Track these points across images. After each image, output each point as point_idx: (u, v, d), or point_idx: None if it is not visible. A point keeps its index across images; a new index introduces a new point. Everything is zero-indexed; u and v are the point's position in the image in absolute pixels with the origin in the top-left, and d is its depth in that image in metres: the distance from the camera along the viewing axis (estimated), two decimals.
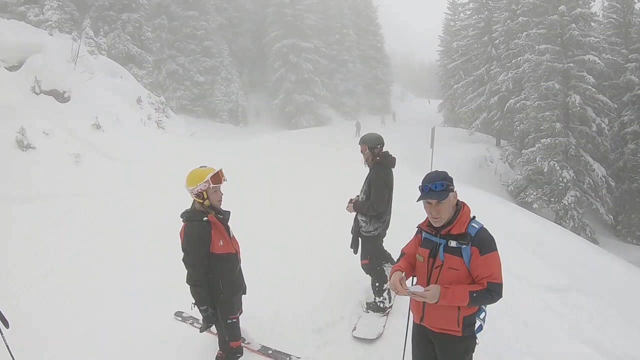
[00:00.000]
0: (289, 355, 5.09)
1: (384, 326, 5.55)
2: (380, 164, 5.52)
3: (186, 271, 4.02)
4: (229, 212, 4.31)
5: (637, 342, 5.61)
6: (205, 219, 4.00)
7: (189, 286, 4.04)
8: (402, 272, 3.58)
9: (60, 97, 15.03)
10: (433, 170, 3.52)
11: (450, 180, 3.36)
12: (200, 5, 40.56)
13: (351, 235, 5.83)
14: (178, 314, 5.87)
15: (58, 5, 23.12)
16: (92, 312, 5.97)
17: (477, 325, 3.51)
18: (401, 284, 3.47)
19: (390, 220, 5.76)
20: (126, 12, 30.51)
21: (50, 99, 14.61)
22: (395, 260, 3.91)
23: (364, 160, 5.64)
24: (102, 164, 13.50)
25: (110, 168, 13.27)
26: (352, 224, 5.85)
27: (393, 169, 5.64)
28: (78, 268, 7.29)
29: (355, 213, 5.74)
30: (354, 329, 5.54)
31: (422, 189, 3.36)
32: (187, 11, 39.59)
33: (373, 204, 5.40)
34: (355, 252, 5.81)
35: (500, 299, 3.36)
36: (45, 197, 10.48)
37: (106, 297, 6.34)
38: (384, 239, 5.80)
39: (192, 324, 5.66)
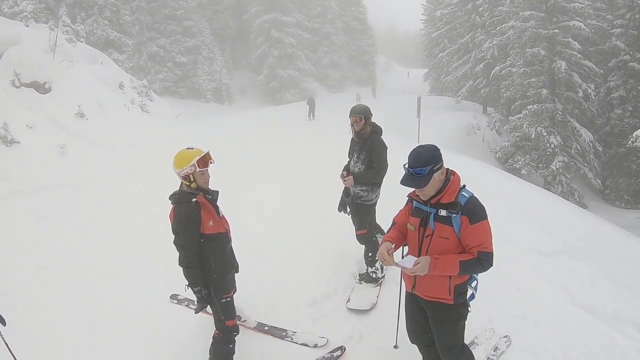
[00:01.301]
0: (285, 330, 5.13)
1: (377, 296, 5.58)
2: (376, 133, 5.57)
3: (178, 254, 4.00)
4: (217, 192, 4.27)
5: (627, 304, 5.72)
6: (194, 200, 3.97)
7: (181, 268, 4.04)
8: (392, 243, 3.59)
9: (41, 88, 14.81)
10: (419, 144, 3.46)
11: (436, 158, 3.27)
12: None
13: (342, 204, 5.87)
14: (173, 296, 5.87)
15: None
16: (88, 301, 5.96)
17: (469, 293, 3.53)
18: (389, 255, 3.49)
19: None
20: None
21: (31, 91, 14.40)
22: (386, 230, 3.92)
23: (353, 132, 5.62)
24: (88, 152, 13.42)
25: (96, 156, 13.20)
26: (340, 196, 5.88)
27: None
28: (71, 259, 7.25)
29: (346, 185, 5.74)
30: (348, 301, 5.58)
31: (406, 171, 3.32)
32: None
33: (379, 172, 5.44)
34: (347, 212, 5.84)
35: (491, 267, 3.36)
36: (33, 190, 10.41)
37: (102, 285, 6.32)
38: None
39: (187, 305, 5.68)
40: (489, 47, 30.92)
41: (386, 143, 5.58)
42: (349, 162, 5.76)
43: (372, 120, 5.63)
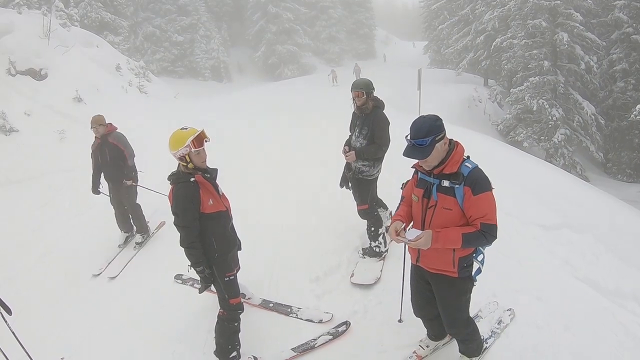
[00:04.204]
0: (290, 307, 5.19)
1: (381, 271, 5.60)
2: (378, 107, 5.52)
3: (179, 234, 4.00)
4: (216, 170, 4.26)
5: (628, 278, 5.77)
6: (192, 179, 3.96)
7: (183, 249, 4.04)
8: (402, 222, 3.56)
9: (37, 75, 14.66)
10: (420, 115, 3.39)
11: (438, 128, 3.23)
12: None
13: (344, 179, 5.86)
14: (178, 276, 5.95)
15: None
16: (93, 286, 6.04)
17: (475, 267, 3.51)
18: (399, 235, 3.47)
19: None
20: None
21: (27, 79, 14.26)
22: (397, 205, 3.88)
23: (355, 106, 5.58)
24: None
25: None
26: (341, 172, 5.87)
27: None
28: (74, 244, 7.31)
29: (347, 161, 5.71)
30: (352, 276, 5.62)
31: (408, 142, 3.29)
32: None
33: (381, 146, 5.42)
34: (348, 187, 5.84)
35: (495, 240, 3.34)
36: (35, 177, 10.43)
37: (105, 269, 6.38)
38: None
39: (192, 285, 5.76)
40: (490, 19, 30.43)
41: (387, 117, 5.54)
42: (351, 136, 5.72)
43: (375, 95, 5.57)
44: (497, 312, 4.75)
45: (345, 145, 5.66)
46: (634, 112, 18.30)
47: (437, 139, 3.21)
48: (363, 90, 5.45)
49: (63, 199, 9.36)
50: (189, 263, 4.11)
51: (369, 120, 5.48)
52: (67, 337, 5.20)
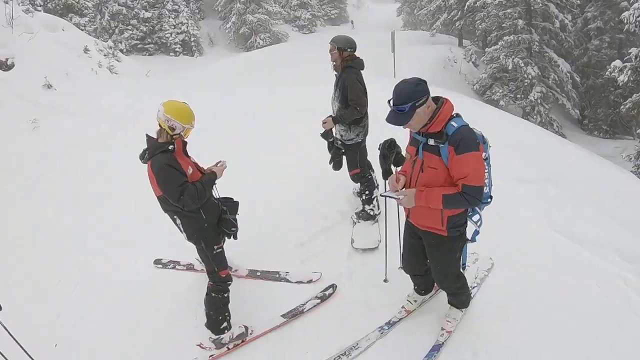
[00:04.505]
0: (278, 272, 5.29)
1: (379, 233, 5.65)
2: (350, 67, 5.35)
3: (181, 204, 3.92)
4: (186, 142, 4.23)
5: (606, 228, 5.84)
6: (170, 147, 3.92)
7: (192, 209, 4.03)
8: (404, 177, 3.59)
9: (4, 65, 14.28)
10: (402, 79, 3.35)
11: (419, 93, 3.19)
12: None
13: (329, 153, 5.79)
14: (157, 261, 5.93)
15: None
16: (77, 274, 6.01)
17: (471, 228, 3.57)
18: (396, 183, 3.55)
19: (369, 127, 5.69)
20: None
21: None
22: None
23: (332, 65, 5.46)
24: (62, 123, 13.08)
25: (70, 125, 12.87)
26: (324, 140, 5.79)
27: (362, 72, 5.50)
28: (55, 232, 7.21)
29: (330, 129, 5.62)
30: (352, 241, 5.66)
31: (390, 108, 3.28)
32: None
33: (355, 106, 5.26)
34: (336, 168, 5.79)
35: (483, 202, 3.38)
36: (11, 169, 10.23)
37: (84, 260, 6.34)
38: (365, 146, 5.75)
39: (173, 267, 5.76)
40: None
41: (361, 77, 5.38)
42: (331, 99, 5.63)
43: (354, 54, 5.40)
44: (477, 263, 4.96)
45: (323, 119, 5.55)
46: (609, 70, 18.48)
47: (417, 104, 3.18)
48: (335, 44, 5.30)
49: (42, 187, 9.15)
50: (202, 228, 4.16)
51: (341, 82, 5.35)
52: (55, 325, 5.21)
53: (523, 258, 5.07)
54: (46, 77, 14.53)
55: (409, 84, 3.25)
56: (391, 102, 3.27)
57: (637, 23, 17.16)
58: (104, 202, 7.90)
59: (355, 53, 5.49)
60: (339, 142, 5.62)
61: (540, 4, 23.71)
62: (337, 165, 5.81)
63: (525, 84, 24.18)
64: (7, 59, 14.42)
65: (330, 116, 5.49)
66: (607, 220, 6.15)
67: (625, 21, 18.04)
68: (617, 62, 18.26)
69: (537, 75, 23.92)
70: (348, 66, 5.36)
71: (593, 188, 7.54)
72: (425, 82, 3.29)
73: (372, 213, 5.88)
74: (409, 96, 3.18)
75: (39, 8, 21.77)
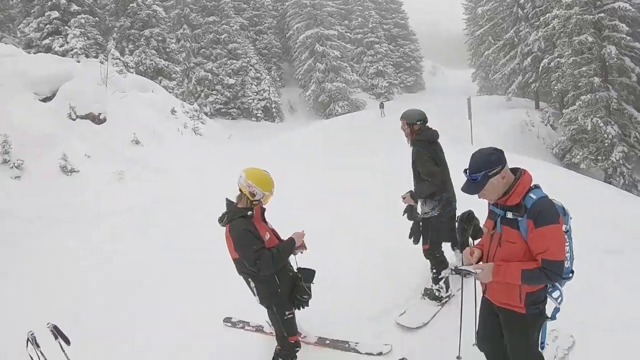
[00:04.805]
0: (348, 342, 5.02)
1: (432, 316, 5.34)
2: (419, 140, 5.22)
3: (257, 269, 3.91)
4: (264, 209, 4.26)
5: None
6: (249, 213, 3.96)
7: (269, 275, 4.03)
8: (481, 251, 3.45)
9: (97, 119, 15.45)
10: (479, 148, 3.27)
11: (492, 163, 3.09)
12: (219, 10, 40.88)
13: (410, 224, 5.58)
14: (227, 320, 5.78)
15: (81, 32, 23.93)
16: (144, 327, 6.02)
17: (552, 306, 3.34)
18: (470, 257, 3.42)
19: (457, 201, 5.42)
20: (148, 28, 31.16)
21: (87, 122, 15.07)
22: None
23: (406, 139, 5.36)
24: (146, 177, 13.80)
25: (154, 180, 13.53)
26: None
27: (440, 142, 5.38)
28: (131, 282, 7.36)
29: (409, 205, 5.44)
30: (402, 314, 5.40)
31: (465, 177, 3.21)
32: (207, 17, 40.00)
33: (426, 179, 5.09)
34: (415, 242, 5.54)
35: (564, 278, 3.17)
36: (95, 216, 10.73)
37: (156, 313, 6.37)
38: (448, 221, 5.42)
39: (242, 327, 5.60)
40: (535, 40, 29.94)
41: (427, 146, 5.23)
42: None
43: (426, 126, 5.28)
44: (557, 341, 4.51)
45: (402, 195, 5.42)
46: None
47: (490, 174, 3.09)
48: (404, 120, 5.25)
49: (123, 237, 9.37)
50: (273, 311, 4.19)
51: (413, 156, 5.26)
52: None
53: (609, 338, 4.61)
54: (134, 134, 15.49)
55: (483, 153, 3.18)
56: (467, 172, 3.21)
57: None
58: (181, 258, 7.96)
59: (430, 123, 5.39)
60: (419, 216, 5.49)
61: (615, 59, 22.72)
62: (416, 239, 5.61)
63: (606, 144, 22.99)
64: (99, 114, 15.58)
65: (410, 191, 5.37)
66: None
67: None
68: None
69: (617, 135, 22.72)
70: (417, 139, 5.26)
71: None
72: (501, 151, 3.19)
73: (437, 294, 5.50)
74: (482, 165, 3.11)
75: (132, 70, 23.49)
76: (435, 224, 5.35)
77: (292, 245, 4.15)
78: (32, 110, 14.05)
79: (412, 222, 5.51)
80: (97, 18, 28.82)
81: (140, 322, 6.12)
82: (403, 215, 5.48)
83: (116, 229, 9.89)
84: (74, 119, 14.76)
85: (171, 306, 6.40)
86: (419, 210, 5.42)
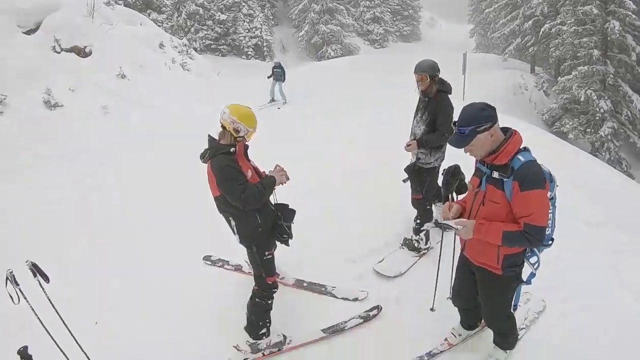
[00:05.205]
0: (325, 286, 5.18)
1: (409, 267, 5.48)
2: (443, 92, 5.20)
3: (242, 203, 3.88)
4: (247, 145, 4.24)
5: None
6: (232, 149, 3.93)
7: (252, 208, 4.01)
8: (461, 207, 3.48)
9: (82, 52, 15.03)
10: (470, 102, 3.23)
11: (482, 118, 3.05)
12: None
13: (405, 174, 5.57)
14: (207, 257, 5.92)
15: None
16: (123, 265, 6.06)
17: (527, 270, 3.40)
18: (448, 211, 3.45)
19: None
20: None
21: (72, 56, 14.68)
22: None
23: (419, 90, 5.28)
24: (131, 112, 13.65)
25: (139, 115, 13.38)
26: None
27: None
28: (111, 219, 7.35)
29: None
30: (380, 261, 5.54)
31: (454, 129, 3.17)
32: None
33: (443, 133, 5.06)
34: (414, 190, 5.56)
35: (544, 244, 3.21)
36: (78, 151, 10.60)
37: (136, 249, 6.39)
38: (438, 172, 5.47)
39: (222, 266, 5.73)
40: (539, 4, 29.32)
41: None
42: (413, 121, 5.46)
43: (441, 77, 5.23)
44: (529, 304, 4.66)
45: (407, 142, 5.35)
46: None
47: (479, 129, 3.04)
48: (427, 73, 5.11)
49: (105, 172, 9.34)
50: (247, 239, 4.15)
51: (431, 106, 5.18)
52: (104, 315, 5.22)
53: (579, 307, 4.68)
54: (121, 67, 15.15)
55: (474, 108, 3.12)
56: (456, 124, 3.16)
57: None
58: (161, 194, 7.99)
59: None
60: (416, 164, 5.43)
61: (618, 35, 22.46)
62: (414, 187, 5.60)
63: (597, 118, 23.05)
64: (85, 47, 15.14)
65: (415, 139, 5.31)
66: None
67: None
68: None
69: (609, 110, 22.76)
70: (441, 90, 5.21)
71: None
72: (493, 108, 3.13)
73: (417, 245, 5.64)
74: (472, 119, 3.06)
75: (120, 2, 22.67)
76: (434, 175, 5.45)
77: (274, 182, 4.16)
78: (15, 43, 13.57)
79: (407, 169, 5.56)
80: None
81: (119, 260, 6.18)
82: (405, 171, 5.54)
83: (99, 164, 9.83)
84: (59, 52, 14.33)
85: (151, 242, 6.48)
86: (416, 158, 5.42)
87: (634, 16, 22.83)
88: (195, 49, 27.37)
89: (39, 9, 14.95)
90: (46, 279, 3.65)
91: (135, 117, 13.16)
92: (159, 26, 24.95)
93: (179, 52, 21.57)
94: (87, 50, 15.14)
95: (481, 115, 3.06)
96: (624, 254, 5.84)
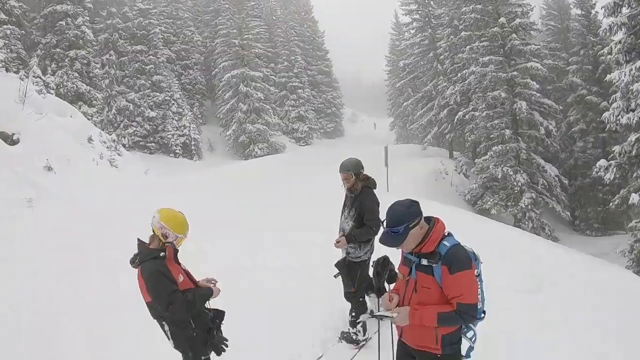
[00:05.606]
0: None
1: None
2: (368, 187, 5.46)
3: (170, 313, 3.77)
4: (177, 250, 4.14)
5: (603, 329, 5.88)
6: (162, 254, 3.84)
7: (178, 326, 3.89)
8: (397, 296, 3.55)
9: (9, 139, 14.65)
10: (395, 201, 3.41)
11: (411, 215, 3.25)
12: (148, 40, 40.08)
13: (335, 269, 5.63)
14: None
15: (4, 44, 22.69)
16: None
17: (466, 345, 3.47)
18: (389, 302, 3.50)
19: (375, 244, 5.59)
20: (74, 49, 29.82)
21: None
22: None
23: (345, 187, 5.52)
24: (57, 206, 13.09)
25: (65, 210, 12.84)
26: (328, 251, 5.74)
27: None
28: (33, 329, 6.72)
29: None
30: (319, 357, 5.49)
31: (384, 229, 3.33)
32: (135, 45, 39.04)
33: (371, 227, 5.27)
34: (346, 285, 5.63)
35: (477, 319, 3.33)
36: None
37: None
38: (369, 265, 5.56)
39: None
40: (452, 94, 31.66)
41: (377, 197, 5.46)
42: (340, 217, 5.65)
43: (365, 174, 5.53)
44: None
45: (336, 239, 5.52)
46: (595, 169, 19.16)
47: (410, 226, 3.24)
48: (351, 171, 5.41)
49: (29, 269, 8.58)
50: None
51: (358, 202, 5.42)
52: None
53: None
54: (47, 159, 14.78)
55: (402, 206, 3.33)
56: (384, 223, 3.35)
57: (618, 122, 17.88)
58: (88, 298, 7.43)
59: None
60: (347, 259, 5.57)
61: (526, 114, 24.78)
62: (346, 283, 5.68)
63: (515, 191, 24.62)
64: (13, 134, 14.76)
65: (343, 235, 5.49)
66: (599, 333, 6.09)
67: (607, 121, 18.79)
68: (602, 162, 19.02)
69: (526, 182, 24.44)
70: (366, 186, 5.50)
71: (591, 291, 7.53)
72: (417, 203, 3.36)
73: (354, 337, 5.68)
74: (403, 218, 3.25)
75: (52, 91, 22.42)
76: (365, 268, 5.54)
77: (209, 295, 4.07)
78: None
79: (338, 264, 5.62)
80: (23, 31, 27.51)
81: None
82: (335, 266, 5.60)
83: (18, 264, 9.07)
84: None
85: (80, 353, 5.97)
86: (350, 253, 5.52)
87: (538, 95, 25.58)
88: (123, 145, 27.16)
89: None
90: None
91: (60, 212, 12.59)
92: (89, 119, 24.74)
93: (107, 147, 21.38)
94: (15, 138, 14.77)
95: (410, 212, 3.28)
96: (552, 314, 6.26)
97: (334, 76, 68.57)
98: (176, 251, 4.05)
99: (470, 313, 3.21)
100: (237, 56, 46.61)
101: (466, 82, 28.82)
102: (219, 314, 4.28)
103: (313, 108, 59.00)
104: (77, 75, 29.47)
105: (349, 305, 5.75)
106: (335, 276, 5.65)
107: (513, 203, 24.79)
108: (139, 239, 3.97)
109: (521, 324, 5.95)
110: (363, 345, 5.68)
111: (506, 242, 10.65)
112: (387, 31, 61.91)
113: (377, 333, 4.86)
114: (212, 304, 4.23)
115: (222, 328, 4.27)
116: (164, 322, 3.97)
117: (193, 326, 3.97)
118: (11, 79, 17.65)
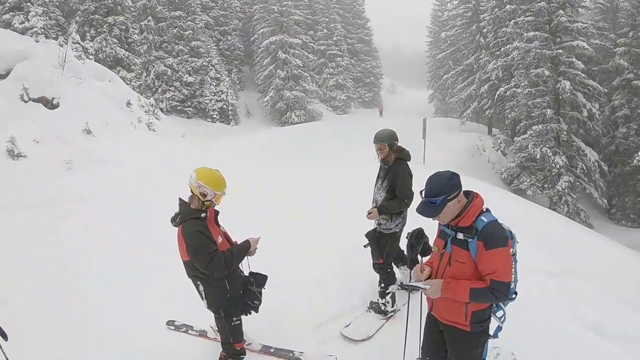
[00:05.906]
0: (292, 351, 5.06)
1: (376, 330, 5.47)
2: (401, 159, 5.42)
3: (209, 272, 3.90)
4: (218, 212, 4.25)
5: (635, 323, 5.66)
6: (203, 215, 3.93)
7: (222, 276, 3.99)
8: (430, 268, 3.55)
9: (49, 103, 14.91)
10: (436, 172, 3.37)
11: (451, 187, 3.22)
12: (186, 5, 40.27)
13: (366, 239, 5.67)
14: (170, 322, 5.68)
15: (43, 11, 23.12)
16: (84, 325, 5.78)
17: (494, 324, 3.48)
18: (419, 273, 3.51)
19: (408, 217, 5.57)
20: (112, 15, 30.30)
21: (39, 106, 14.51)
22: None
23: (379, 158, 5.49)
24: (94, 169, 13.37)
25: (102, 172, 13.11)
26: (348, 216, 5.75)
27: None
28: (69, 278, 7.08)
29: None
30: (347, 325, 5.52)
31: (422, 199, 3.30)
32: (174, 12, 39.29)
33: (403, 200, 5.26)
34: (375, 256, 5.66)
35: (509, 299, 3.31)
36: (38, 205, 10.27)
37: (97, 309, 6.09)
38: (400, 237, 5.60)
39: (186, 331, 5.52)
40: (494, 68, 31.06)
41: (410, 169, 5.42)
42: (374, 188, 5.64)
43: (399, 145, 5.48)
44: (499, 358, 4.68)
45: (368, 210, 5.47)
46: (637, 158, 18.54)
47: (448, 198, 3.21)
48: (385, 142, 5.36)
49: (64, 230, 8.91)
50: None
51: (391, 173, 5.39)
52: None
53: (548, 354, 4.82)
54: (87, 123, 15.05)
55: (442, 178, 3.29)
56: (423, 193, 3.31)
57: None
58: (122, 254, 7.75)
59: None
60: (377, 230, 5.57)
61: (569, 94, 23.95)
62: (374, 253, 5.71)
63: (553, 173, 24.10)
64: (53, 98, 15.04)
65: (376, 207, 5.46)
66: (634, 314, 5.99)
67: None
68: None
69: (564, 165, 23.88)
70: (399, 158, 5.45)
71: (619, 280, 7.37)
72: (458, 175, 3.32)
73: (383, 308, 5.68)
74: (442, 189, 3.22)
75: (91, 57, 22.78)
76: (395, 240, 5.54)
77: (246, 249, 4.14)
78: None
79: (368, 234, 5.64)
80: None
81: (80, 320, 5.88)
82: (366, 237, 5.62)
83: (59, 221, 9.44)
84: (26, 101, 14.19)
85: (115, 305, 6.16)
86: (377, 224, 5.53)
87: (583, 75, 24.41)
88: (161, 109, 27.52)
89: (10, 55, 15.00)
90: (5, 336, 3.57)
91: (97, 174, 12.92)
92: (128, 84, 25.05)
93: (146, 111, 21.58)
94: (55, 102, 15.03)
95: (450, 184, 3.24)
96: (583, 299, 6.10)
97: (374, 45, 67.72)
98: (217, 213, 4.16)
99: (502, 291, 3.18)
100: (276, 22, 46.42)
101: (509, 57, 28.13)
102: (260, 280, 4.39)
103: (351, 77, 58.68)
104: (115, 41, 29.96)
105: (367, 270, 5.83)
106: (365, 246, 5.69)
107: (550, 185, 24.27)
108: (180, 199, 4.07)
109: (550, 308, 5.85)
110: (391, 316, 5.71)
111: (540, 225, 10.42)
112: (430, 1, 60.43)
113: (406, 305, 4.89)
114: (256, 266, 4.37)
115: (262, 292, 4.40)
116: (199, 282, 4.09)
117: (228, 287, 4.09)
118: (51, 46, 17.92)
